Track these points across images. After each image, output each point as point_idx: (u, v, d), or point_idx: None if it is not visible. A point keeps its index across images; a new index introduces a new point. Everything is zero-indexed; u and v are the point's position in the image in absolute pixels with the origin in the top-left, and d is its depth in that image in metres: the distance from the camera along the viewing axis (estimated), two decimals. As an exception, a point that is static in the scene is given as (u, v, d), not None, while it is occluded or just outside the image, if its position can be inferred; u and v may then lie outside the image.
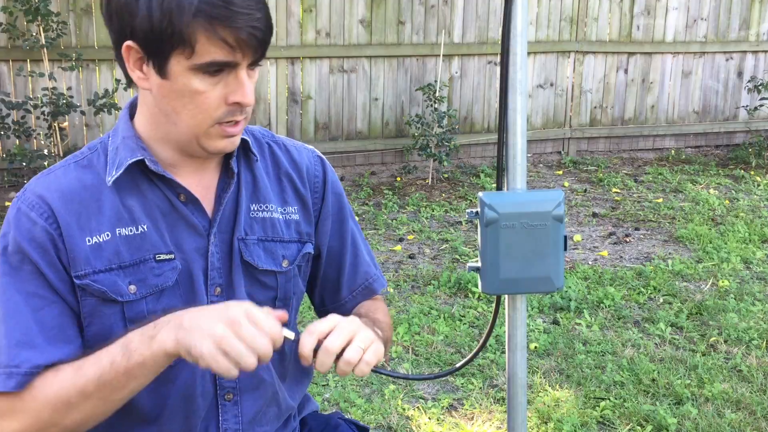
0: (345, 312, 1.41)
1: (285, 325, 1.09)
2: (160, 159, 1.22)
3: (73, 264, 1.16)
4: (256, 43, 1.11)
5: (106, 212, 1.19)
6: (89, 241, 1.17)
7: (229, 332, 1.02)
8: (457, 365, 1.43)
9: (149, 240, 1.20)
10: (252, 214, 1.28)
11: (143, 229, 1.20)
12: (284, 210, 1.32)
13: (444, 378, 3.11)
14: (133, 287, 1.18)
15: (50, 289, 1.15)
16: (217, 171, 1.27)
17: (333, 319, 1.11)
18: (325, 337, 1.08)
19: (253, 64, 1.16)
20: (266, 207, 1.30)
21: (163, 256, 1.20)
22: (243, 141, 1.27)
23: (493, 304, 4.01)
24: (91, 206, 1.18)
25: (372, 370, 1.10)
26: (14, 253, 1.15)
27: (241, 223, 1.27)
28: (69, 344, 1.16)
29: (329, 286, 1.42)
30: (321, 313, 1.46)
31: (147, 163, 1.19)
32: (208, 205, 1.25)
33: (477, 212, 1.32)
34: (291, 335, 1.06)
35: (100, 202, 1.19)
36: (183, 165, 1.23)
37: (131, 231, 1.19)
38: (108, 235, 1.18)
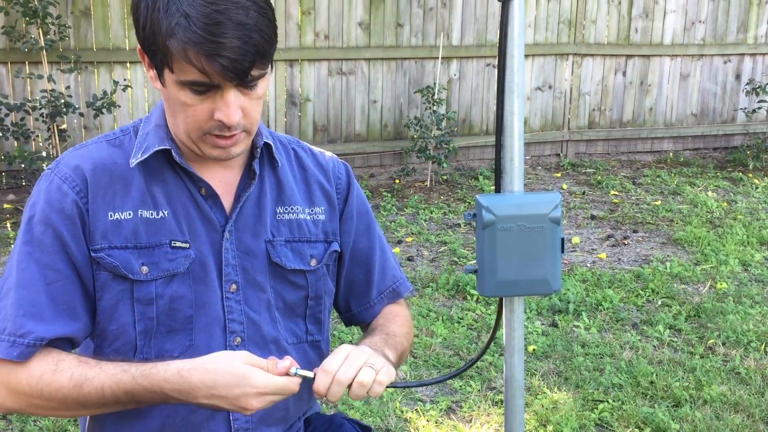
0: (371, 315, 1.43)
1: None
2: (184, 152, 1.25)
3: (92, 237, 1.19)
4: (232, 74, 1.09)
5: (131, 192, 1.22)
6: (111, 216, 1.21)
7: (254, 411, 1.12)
8: (464, 366, 1.43)
9: (168, 226, 1.23)
10: (278, 216, 1.31)
11: (164, 214, 1.23)
12: (311, 210, 1.35)
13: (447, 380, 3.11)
14: (145, 268, 1.21)
15: (68, 263, 1.18)
16: (239, 171, 1.30)
17: (344, 351, 1.15)
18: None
19: (245, 85, 1.14)
20: (292, 209, 1.33)
21: (178, 244, 1.23)
22: (267, 145, 1.30)
23: (492, 306, 4.00)
24: (118, 184, 1.22)
25: (386, 387, 1.17)
26: (39, 222, 1.18)
27: (267, 226, 1.30)
28: (76, 322, 1.19)
29: (357, 288, 1.43)
30: (346, 318, 1.47)
31: (173, 154, 1.22)
32: (227, 202, 1.28)
33: (474, 214, 1.32)
34: (310, 374, 1.14)
35: (128, 182, 1.23)
36: (206, 160, 1.26)
37: (152, 215, 1.22)
38: (130, 215, 1.21)
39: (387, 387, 1.16)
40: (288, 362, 1.14)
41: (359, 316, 1.45)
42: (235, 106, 1.14)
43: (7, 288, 1.17)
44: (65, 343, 1.20)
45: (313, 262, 1.33)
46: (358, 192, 1.43)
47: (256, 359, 1.13)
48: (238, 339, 1.27)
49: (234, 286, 1.27)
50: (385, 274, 1.44)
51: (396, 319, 1.41)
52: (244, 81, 1.12)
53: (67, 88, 5.26)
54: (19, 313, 1.14)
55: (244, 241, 1.28)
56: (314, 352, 1.36)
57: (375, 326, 1.39)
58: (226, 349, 1.26)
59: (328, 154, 1.44)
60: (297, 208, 1.33)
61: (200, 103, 1.14)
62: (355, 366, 1.13)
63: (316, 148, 1.43)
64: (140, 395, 1.13)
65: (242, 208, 1.28)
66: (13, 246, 1.23)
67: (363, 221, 1.42)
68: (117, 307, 1.21)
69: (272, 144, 1.31)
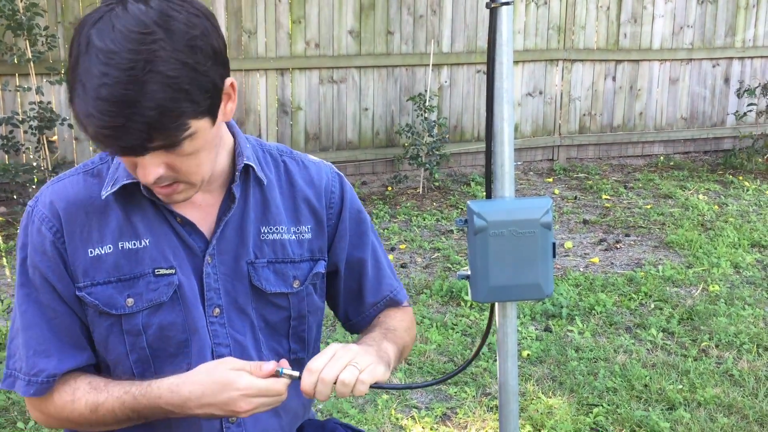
0: (368, 323, 1.43)
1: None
2: None
3: (74, 275, 1.21)
4: (119, 152, 1.07)
5: (110, 224, 1.21)
6: (91, 252, 1.21)
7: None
8: (456, 369, 1.43)
9: (149, 254, 1.22)
10: (262, 236, 1.29)
11: (145, 243, 1.22)
12: (297, 229, 1.33)
13: (439, 386, 3.10)
14: (130, 300, 1.21)
15: (60, 301, 1.21)
16: (220, 193, 1.27)
17: (330, 350, 1.16)
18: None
19: (161, 148, 1.08)
20: (277, 229, 1.31)
21: (162, 271, 1.22)
22: (246, 167, 1.27)
23: (486, 312, 4.00)
24: (95, 218, 1.22)
25: (372, 386, 1.16)
26: (30, 266, 1.22)
27: (249, 247, 1.28)
28: (84, 352, 1.23)
29: (352, 300, 1.43)
30: (348, 326, 1.48)
31: (141, 188, 1.21)
32: (207, 226, 1.26)
33: (466, 220, 1.32)
34: (296, 374, 1.15)
35: (106, 214, 1.22)
36: None
37: (134, 245, 1.22)
38: (110, 248, 1.21)
39: (373, 387, 1.16)
40: (272, 365, 1.15)
41: (357, 325, 1.45)
42: (151, 167, 1.09)
43: (15, 329, 1.24)
44: (80, 371, 1.25)
45: (296, 284, 1.32)
46: (351, 204, 1.40)
47: (240, 363, 1.15)
48: None
49: (217, 310, 1.26)
50: (380, 284, 1.43)
51: (396, 315, 1.42)
52: (141, 154, 1.07)
53: (48, 103, 5.24)
54: (29, 354, 1.21)
55: (226, 263, 1.27)
56: (298, 370, 1.36)
57: (375, 323, 1.40)
58: None
59: (323, 164, 1.41)
60: (281, 228, 1.31)
61: (127, 159, 1.12)
62: (340, 364, 1.13)
63: (309, 158, 1.40)
64: (144, 413, 1.19)
65: (223, 231, 1.26)
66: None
67: (356, 234, 1.41)
68: (108, 339, 1.23)
69: (254, 165, 1.27)
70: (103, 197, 1.21)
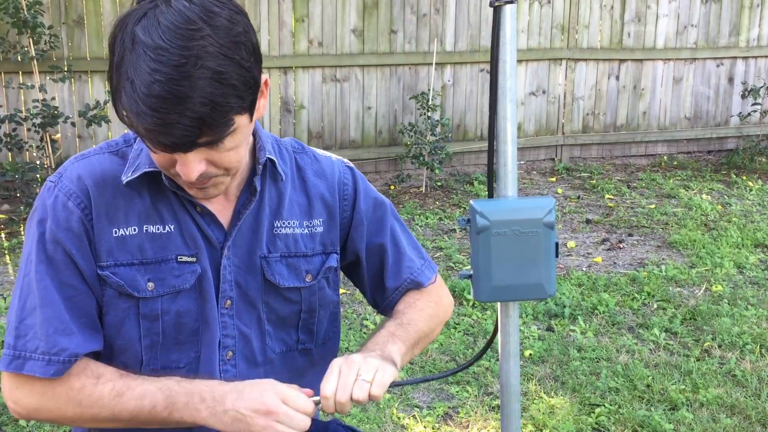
0: (393, 309, 1.44)
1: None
2: None
3: (98, 254, 1.19)
4: (171, 149, 1.07)
5: (136, 206, 1.21)
6: (116, 232, 1.20)
7: (271, 422, 1.13)
8: (464, 364, 1.44)
9: (173, 241, 1.22)
10: (275, 230, 1.30)
11: (170, 229, 1.22)
12: (309, 223, 1.34)
13: (441, 385, 3.10)
14: (151, 284, 1.21)
15: (81, 279, 1.19)
16: (240, 186, 1.28)
17: (335, 368, 1.17)
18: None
19: (206, 144, 1.08)
20: (289, 223, 1.31)
21: (185, 258, 1.22)
22: (270, 161, 1.28)
23: (488, 312, 4.00)
24: (121, 198, 1.21)
25: (390, 386, 1.20)
26: (50, 241, 1.18)
27: (263, 241, 1.28)
28: (98, 334, 1.21)
29: (377, 286, 1.44)
30: (378, 311, 1.49)
31: (162, 177, 1.21)
32: (225, 218, 1.27)
33: (469, 220, 1.32)
34: (318, 399, 1.19)
35: (132, 196, 1.21)
36: None
37: (158, 229, 1.22)
38: (135, 230, 1.21)
39: (390, 387, 1.18)
40: (310, 390, 1.20)
41: (385, 311, 1.46)
42: (194, 164, 1.10)
43: (30, 307, 1.17)
44: (93, 354, 1.22)
45: (309, 278, 1.33)
46: (366, 194, 1.41)
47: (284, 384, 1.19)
48: (230, 353, 1.28)
49: (229, 302, 1.27)
50: (399, 268, 1.43)
51: (417, 303, 1.41)
52: (189, 150, 1.08)
53: (52, 98, 5.25)
54: (49, 332, 1.16)
55: (240, 256, 1.27)
56: (304, 360, 1.37)
57: (393, 314, 1.40)
58: (219, 362, 1.27)
59: (334, 157, 1.42)
60: (293, 223, 1.32)
61: (164, 156, 1.12)
62: (349, 383, 1.15)
63: (320, 152, 1.41)
64: (178, 400, 1.16)
65: (242, 225, 1.27)
66: (21, 259, 1.23)
67: (374, 220, 1.42)
68: (123, 323, 1.21)
69: (276, 159, 1.29)
70: (124, 182, 1.20)
